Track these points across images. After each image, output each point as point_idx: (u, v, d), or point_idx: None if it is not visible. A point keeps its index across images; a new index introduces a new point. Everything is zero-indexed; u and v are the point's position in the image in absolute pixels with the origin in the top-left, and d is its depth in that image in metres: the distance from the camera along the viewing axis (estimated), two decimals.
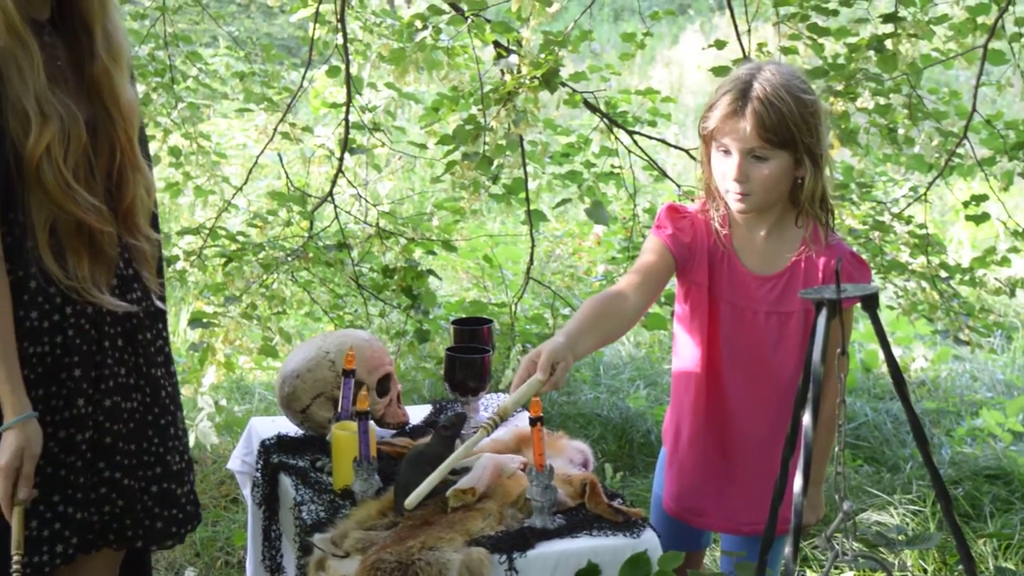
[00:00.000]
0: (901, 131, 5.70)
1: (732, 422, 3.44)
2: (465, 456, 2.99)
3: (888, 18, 5.41)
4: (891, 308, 6.66)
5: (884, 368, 7.43)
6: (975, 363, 7.99)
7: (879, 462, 6.21)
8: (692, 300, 3.43)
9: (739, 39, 5.67)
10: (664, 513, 3.63)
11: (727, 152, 3.21)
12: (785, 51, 5.49)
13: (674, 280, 3.46)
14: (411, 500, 2.85)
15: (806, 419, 2.44)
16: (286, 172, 6.61)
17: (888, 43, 5.40)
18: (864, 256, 5.85)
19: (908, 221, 6.10)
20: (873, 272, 6.02)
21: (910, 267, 6.06)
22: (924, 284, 6.12)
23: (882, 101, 5.56)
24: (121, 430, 3.16)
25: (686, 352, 3.48)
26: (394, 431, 3.80)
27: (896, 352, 7.70)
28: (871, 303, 2.53)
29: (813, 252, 3.27)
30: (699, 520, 3.58)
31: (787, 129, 3.12)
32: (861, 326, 7.66)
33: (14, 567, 2.87)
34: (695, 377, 3.45)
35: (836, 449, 2.55)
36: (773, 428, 3.33)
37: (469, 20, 5.20)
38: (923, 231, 6.02)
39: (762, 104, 3.11)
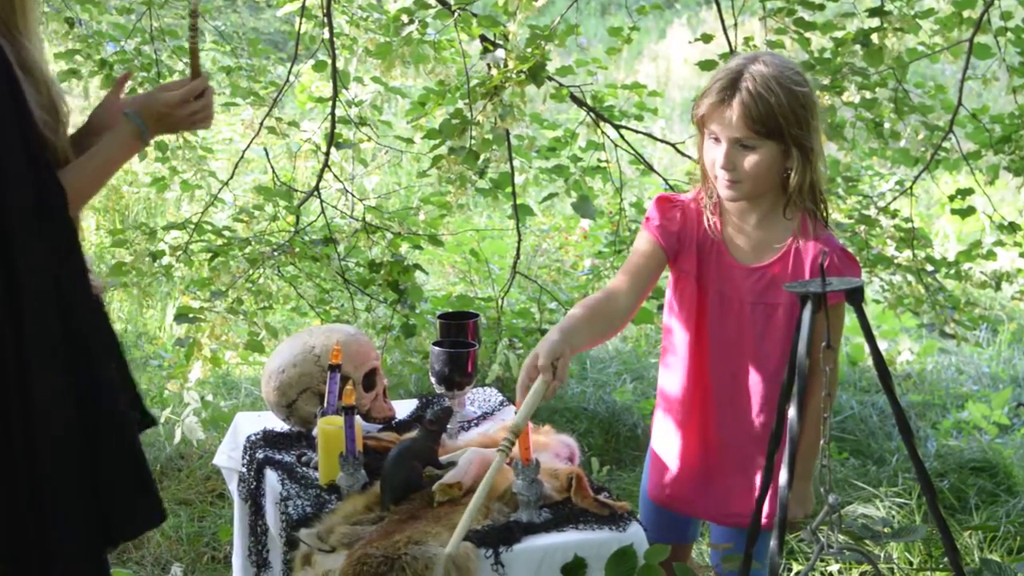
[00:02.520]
0: (887, 125, 5.72)
1: (717, 411, 3.44)
2: (491, 482, 2.94)
3: (874, 12, 5.42)
4: (877, 302, 6.68)
5: (870, 361, 7.45)
6: (961, 356, 8.01)
7: (865, 455, 6.23)
8: (681, 288, 3.43)
9: (726, 33, 5.66)
10: (652, 506, 3.63)
11: (717, 140, 3.21)
12: (771, 45, 5.49)
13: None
14: (451, 546, 2.82)
15: (791, 413, 2.45)
16: (272, 167, 6.60)
17: (874, 37, 5.40)
18: (850, 249, 5.87)
19: (894, 215, 6.12)
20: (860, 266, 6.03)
21: (896, 261, 6.08)
22: (910, 278, 6.14)
23: (868, 95, 5.58)
24: None
25: (674, 340, 3.49)
26: (380, 426, 3.80)
27: (882, 346, 7.71)
28: (856, 297, 2.53)
29: (801, 244, 3.27)
30: (683, 507, 3.57)
31: (774, 120, 3.11)
32: (847, 320, 7.66)
33: None
34: (682, 365, 3.45)
35: (822, 442, 2.55)
36: (757, 418, 3.36)
37: (456, 14, 5.19)
38: (909, 225, 6.04)
39: (750, 94, 3.11)
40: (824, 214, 3.33)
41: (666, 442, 3.56)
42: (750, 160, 3.17)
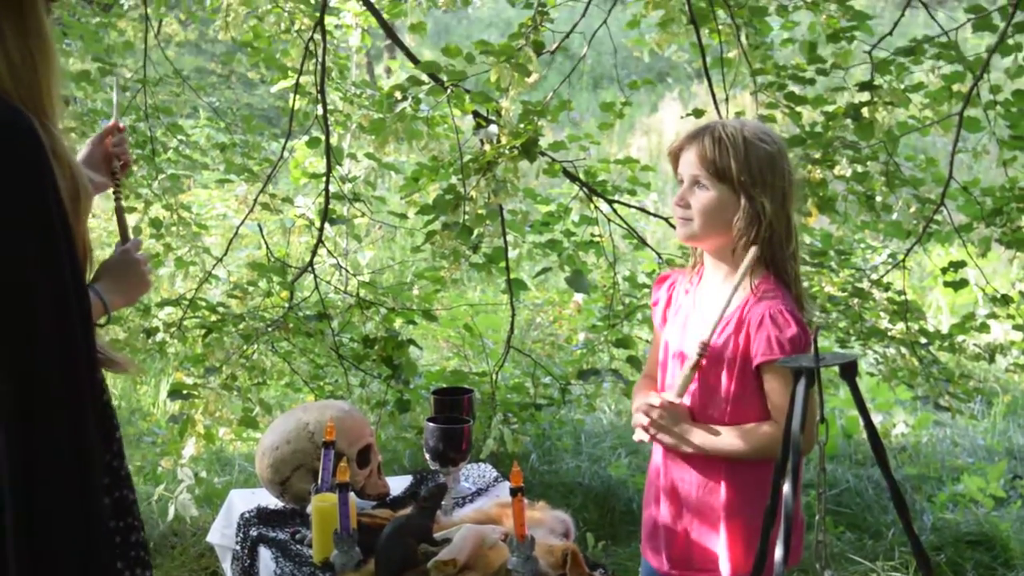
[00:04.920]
0: (879, 198, 5.73)
1: (672, 465, 3.49)
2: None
3: (864, 86, 5.46)
4: (871, 374, 6.68)
5: (865, 434, 7.43)
6: (956, 429, 7.99)
7: (861, 529, 6.20)
8: (664, 351, 3.55)
9: (717, 107, 5.70)
10: (648, 569, 3.64)
11: (682, 182, 3.41)
12: (763, 119, 5.52)
13: None
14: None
15: (786, 489, 2.44)
16: (266, 242, 6.62)
17: (865, 111, 5.44)
18: (843, 323, 5.88)
19: (887, 288, 6.12)
20: (853, 339, 6.03)
21: (890, 333, 6.08)
22: (904, 350, 6.13)
23: (860, 168, 5.60)
24: None
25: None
26: (375, 502, 3.79)
27: (876, 418, 7.71)
28: (849, 371, 2.53)
29: (751, 303, 3.33)
30: (653, 560, 3.58)
31: (726, 162, 3.28)
32: (842, 393, 7.66)
33: None
34: None
35: (817, 517, 2.55)
36: (704, 474, 3.42)
37: (449, 90, 5.22)
38: (902, 297, 6.04)
39: (711, 138, 3.32)
40: (792, 280, 3.41)
41: (646, 495, 3.65)
42: (700, 198, 3.35)
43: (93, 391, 2.70)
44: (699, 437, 3.37)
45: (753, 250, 3.26)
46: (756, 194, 3.29)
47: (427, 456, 3.69)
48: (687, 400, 3.41)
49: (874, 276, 6.24)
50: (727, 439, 3.33)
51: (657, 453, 3.55)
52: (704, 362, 3.32)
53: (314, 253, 6.18)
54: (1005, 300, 5.97)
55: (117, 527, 2.97)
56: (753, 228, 3.30)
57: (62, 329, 2.55)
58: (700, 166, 3.32)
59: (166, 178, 6.66)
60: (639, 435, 3.46)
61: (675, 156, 3.45)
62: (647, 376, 3.67)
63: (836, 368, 2.61)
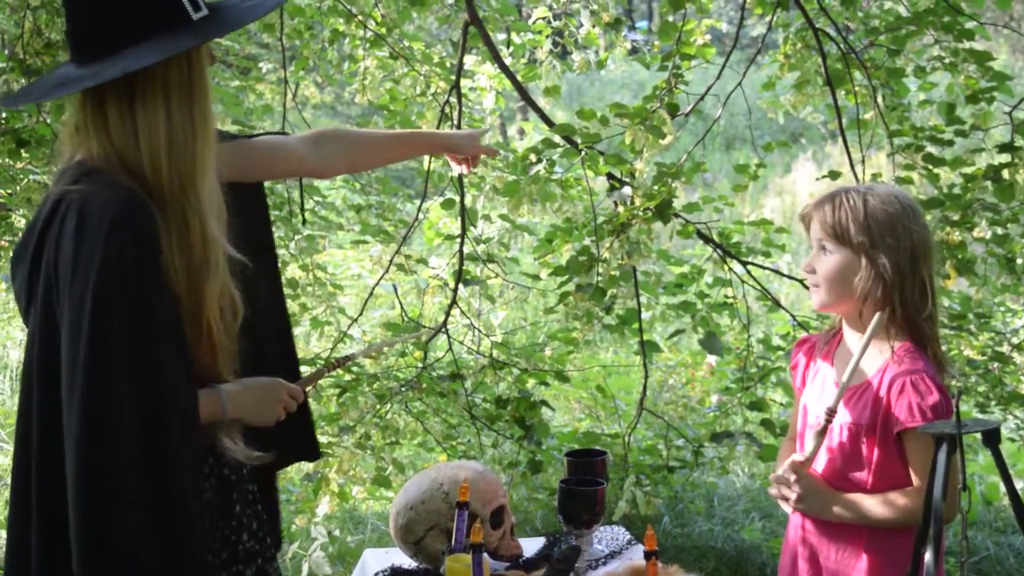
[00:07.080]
0: (1020, 261, 5.65)
1: (810, 533, 3.45)
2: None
3: (1005, 148, 5.38)
4: (1012, 440, 6.55)
5: (1006, 501, 7.29)
6: None
7: None
8: (801, 413, 3.53)
9: (852, 168, 5.66)
10: None
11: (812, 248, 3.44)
12: (900, 181, 5.47)
13: None
14: None
15: (927, 558, 2.40)
16: (400, 303, 6.67)
17: (1005, 173, 5.37)
18: (982, 387, 5.78)
19: None
20: (993, 403, 5.93)
21: None
22: None
23: (1000, 231, 5.52)
24: None
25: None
26: (508, 563, 3.78)
27: (1018, 485, 7.54)
28: (992, 438, 2.49)
29: (889, 369, 3.29)
30: None
31: (845, 225, 3.28)
32: (981, 458, 7.52)
33: None
34: None
35: None
36: (844, 542, 3.36)
37: (583, 153, 5.24)
38: None
39: (832, 203, 3.33)
40: (930, 343, 3.35)
41: (782, 561, 3.61)
42: (824, 263, 3.35)
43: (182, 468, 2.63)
44: (840, 505, 3.33)
45: (878, 316, 3.22)
46: (875, 255, 3.26)
47: (560, 518, 3.69)
48: (818, 468, 3.38)
49: (1015, 340, 6.14)
50: (869, 507, 3.29)
51: (794, 519, 3.52)
52: (830, 428, 3.28)
53: (448, 313, 6.22)
54: None
55: None
56: (877, 289, 3.27)
57: (143, 402, 2.50)
58: (821, 230, 3.34)
59: (302, 239, 6.76)
60: (783, 505, 3.43)
61: (807, 224, 3.47)
62: (790, 439, 3.63)
63: (977, 434, 2.58)
